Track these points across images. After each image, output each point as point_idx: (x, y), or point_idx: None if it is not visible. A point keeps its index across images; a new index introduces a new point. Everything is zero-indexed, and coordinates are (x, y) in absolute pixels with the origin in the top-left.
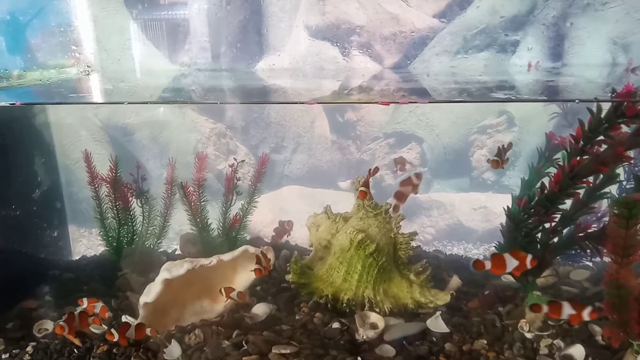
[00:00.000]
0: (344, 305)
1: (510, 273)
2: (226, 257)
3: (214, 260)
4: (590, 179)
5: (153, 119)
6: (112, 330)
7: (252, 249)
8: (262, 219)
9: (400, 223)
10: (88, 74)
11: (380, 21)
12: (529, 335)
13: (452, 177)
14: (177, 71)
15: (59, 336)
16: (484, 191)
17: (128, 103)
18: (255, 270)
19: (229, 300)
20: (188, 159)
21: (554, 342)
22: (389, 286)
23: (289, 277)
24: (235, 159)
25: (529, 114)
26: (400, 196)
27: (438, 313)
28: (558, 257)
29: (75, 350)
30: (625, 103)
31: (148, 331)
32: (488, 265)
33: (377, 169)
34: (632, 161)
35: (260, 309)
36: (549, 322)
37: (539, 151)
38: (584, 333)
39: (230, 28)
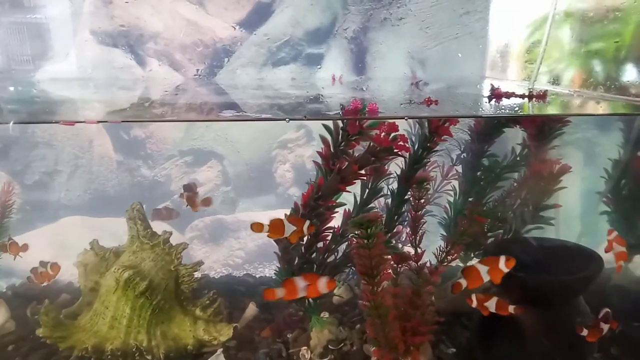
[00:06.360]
0: (110, 356)
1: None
2: None
3: None
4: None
5: None
6: None
7: None
8: (41, 258)
9: (182, 253)
10: None
11: (178, 28)
12: None
13: (258, 194)
14: None
15: None
16: (290, 207)
17: None
18: None
19: None
20: None
21: None
22: (169, 327)
23: (39, 331)
24: None
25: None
26: None
27: (220, 351)
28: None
29: None
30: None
31: None
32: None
33: None
34: (365, 178)
35: None
36: (330, 347)
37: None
38: (360, 355)
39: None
